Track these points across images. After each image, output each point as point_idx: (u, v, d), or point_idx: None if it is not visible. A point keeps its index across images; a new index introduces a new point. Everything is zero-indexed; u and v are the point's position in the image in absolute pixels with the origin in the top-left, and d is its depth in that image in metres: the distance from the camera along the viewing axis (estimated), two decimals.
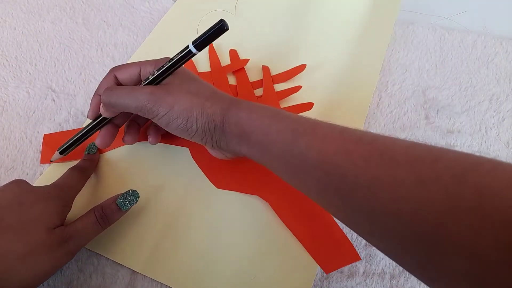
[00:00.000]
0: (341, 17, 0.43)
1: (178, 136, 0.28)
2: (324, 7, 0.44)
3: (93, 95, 0.30)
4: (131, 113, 0.31)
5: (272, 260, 0.29)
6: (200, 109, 0.26)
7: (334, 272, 0.29)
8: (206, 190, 0.32)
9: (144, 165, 0.34)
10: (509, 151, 0.35)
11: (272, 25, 0.43)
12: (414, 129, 0.36)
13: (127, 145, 0.35)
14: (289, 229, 0.30)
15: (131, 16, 0.44)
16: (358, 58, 0.40)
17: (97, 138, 0.30)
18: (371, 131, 0.35)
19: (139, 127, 0.32)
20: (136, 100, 0.26)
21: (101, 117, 0.30)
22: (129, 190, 0.29)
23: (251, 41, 0.41)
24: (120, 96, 0.27)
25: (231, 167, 0.33)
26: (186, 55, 0.26)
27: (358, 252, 0.29)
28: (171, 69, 0.27)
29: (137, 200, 0.29)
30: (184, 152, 0.34)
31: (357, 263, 0.30)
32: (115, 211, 0.28)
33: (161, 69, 0.27)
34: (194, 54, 0.26)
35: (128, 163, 0.34)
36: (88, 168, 0.32)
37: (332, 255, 0.29)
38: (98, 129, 0.30)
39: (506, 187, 0.15)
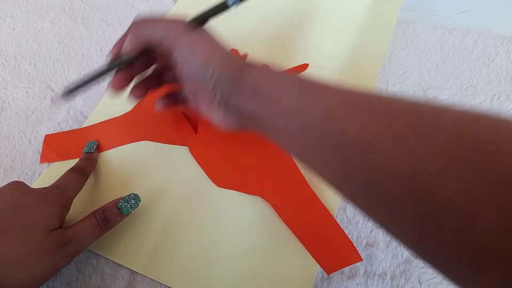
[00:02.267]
0: (342, 16, 0.43)
1: (187, 83, 0.27)
2: (324, 6, 0.44)
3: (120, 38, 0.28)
4: (148, 65, 0.30)
5: (272, 260, 0.29)
6: (222, 55, 0.26)
7: (334, 272, 0.29)
8: (206, 190, 0.32)
9: (143, 165, 0.34)
10: None
11: (273, 25, 0.43)
12: None
13: (126, 145, 0.35)
14: (290, 229, 0.30)
15: (131, 15, 0.44)
16: (359, 58, 0.40)
17: (112, 79, 0.27)
18: None
19: (146, 88, 0.30)
20: (167, 28, 0.26)
21: (118, 63, 0.27)
22: (131, 194, 0.29)
23: (252, 41, 0.41)
24: (153, 20, 0.26)
25: (232, 165, 0.33)
26: (220, 8, 0.26)
27: (359, 253, 0.29)
28: (209, 16, 0.27)
29: (138, 204, 0.29)
30: (184, 151, 0.34)
31: (358, 263, 0.29)
32: (116, 215, 0.28)
33: (200, 13, 0.27)
34: (228, 8, 0.26)
35: (128, 163, 0.34)
36: (87, 168, 0.32)
37: (333, 256, 0.29)
38: (111, 72, 0.28)
39: (506, 140, 0.14)
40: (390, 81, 0.39)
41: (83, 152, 0.33)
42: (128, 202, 0.28)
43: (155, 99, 0.37)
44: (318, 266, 0.29)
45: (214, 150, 0.34)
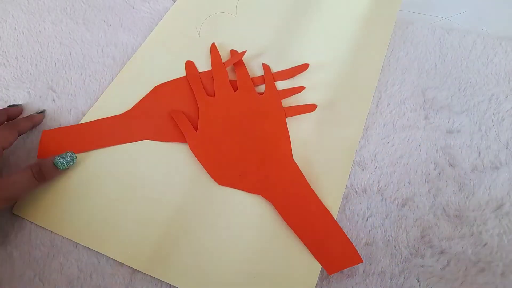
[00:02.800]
0: (342, 17, 0.43)
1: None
2: (324, 7, 0.44)
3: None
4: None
5: (274, 259, 0.30)
6: None
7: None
8: (207, 188, 0.33)
9: (144, 163, 0.34)
10: (508, 151, 0.35)
11: (272, 26, 0.43)
12: (414, 129, 0.36)
13: (126, 144, 0.35)
14: (291, 229, 0.30)
15: (132, 16, 0.45)
16: (359, 58, 0.40)
17: None
18: (371, 131, 0.36)
19: None
20: None
21: None
22: (67, 152, 0.32)
23: (252, 42, 0.41)
24: None
25: (233, 163, 0.33)
26: None
27: (358, 252, 0.30)
28: None
29: (74, 162, 0.32)
30: (184, 150, 0.34)
31: None
32: (52, 170, 0.31)
33: None
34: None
35: (128, 162, 0.34)
36: (21, 123, 0.33)
37: (334, 257, 0.29)
38: None
39: None
40: (389, 82, 0.39)
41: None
42: (64, 159, 0.32)
43: (156, 98, 0.38)
44: (320, 265, 0.29)
45: (214, 148, 0.34)
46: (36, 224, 0.31)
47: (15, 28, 0.43)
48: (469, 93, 0.38)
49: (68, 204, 0.32)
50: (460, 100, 0.38)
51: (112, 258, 0.30)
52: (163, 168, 0.34)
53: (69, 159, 0.32)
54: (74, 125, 0.36)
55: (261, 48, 0.41)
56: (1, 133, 0.31)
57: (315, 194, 0.32)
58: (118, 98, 0.38)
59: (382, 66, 0.40)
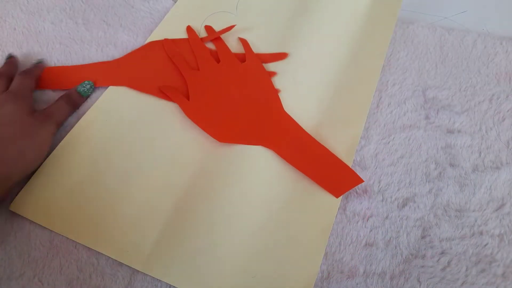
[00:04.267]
0: (342, 16, 0.43)
1: None
2: (324, 7, 0.44)
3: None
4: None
5: (274, 260, 0.30)
6: None
7: (334, 271, 0.29)
8: (206, 187, 0.32)
9: (141, 163, 0.34)
10: (509, 151, 0.35)
11: (272, 25, 0.43)
12: (414, 129, 0.36)
13: (118, 142, 0.35)
14: (295, 167, 0.32)
15: (131, 16, 0.44)
16: (359, 58, 0.40)
17: None
18: (371, 131, 0.36)
19: None
20: None
21: None
22: (85, 81, 0.37)
23: (253, 41, 0.41)
24: None
25: (230, 122, 0.35)
26: None
27: (358, 253, 0.30)
28: None
29: (93, 89, 0.38)
30: (181, 146, 0.34)
31: (357, 263, 0.30)
32: (79, 97, 0.37)
33: None
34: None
35: (124, 152, 0.34)
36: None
37: (338, 182, 0.32)
38: None
39: None
40: (390, 81, 0.39)
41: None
42: (84, 87, 0.37)
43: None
44: (319, 266, 0.29)
45: (209, 112, 0.36)
46: (35, 224, 0.31)
47: (15, 28, 0.43)
48: (469, 93, 0.38)
49: (66, 201, 0.32)
50: (460, 100, 0.38)
51: (112, 258, 0.30)
52: (161, 166, 0.34)
53: (88, 86, 0.37)
54: (66, 66, 0.40)
55: (261, 47, 0.41)
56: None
57: (309, 134, 0.34)
58: (120, 98, 0.38)
59: (383, 66, 0.40)
